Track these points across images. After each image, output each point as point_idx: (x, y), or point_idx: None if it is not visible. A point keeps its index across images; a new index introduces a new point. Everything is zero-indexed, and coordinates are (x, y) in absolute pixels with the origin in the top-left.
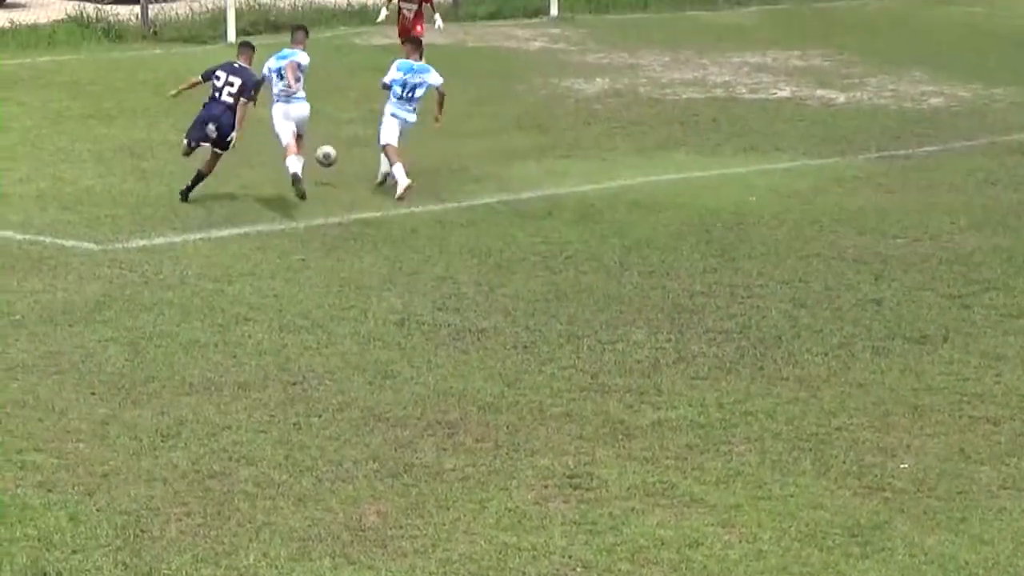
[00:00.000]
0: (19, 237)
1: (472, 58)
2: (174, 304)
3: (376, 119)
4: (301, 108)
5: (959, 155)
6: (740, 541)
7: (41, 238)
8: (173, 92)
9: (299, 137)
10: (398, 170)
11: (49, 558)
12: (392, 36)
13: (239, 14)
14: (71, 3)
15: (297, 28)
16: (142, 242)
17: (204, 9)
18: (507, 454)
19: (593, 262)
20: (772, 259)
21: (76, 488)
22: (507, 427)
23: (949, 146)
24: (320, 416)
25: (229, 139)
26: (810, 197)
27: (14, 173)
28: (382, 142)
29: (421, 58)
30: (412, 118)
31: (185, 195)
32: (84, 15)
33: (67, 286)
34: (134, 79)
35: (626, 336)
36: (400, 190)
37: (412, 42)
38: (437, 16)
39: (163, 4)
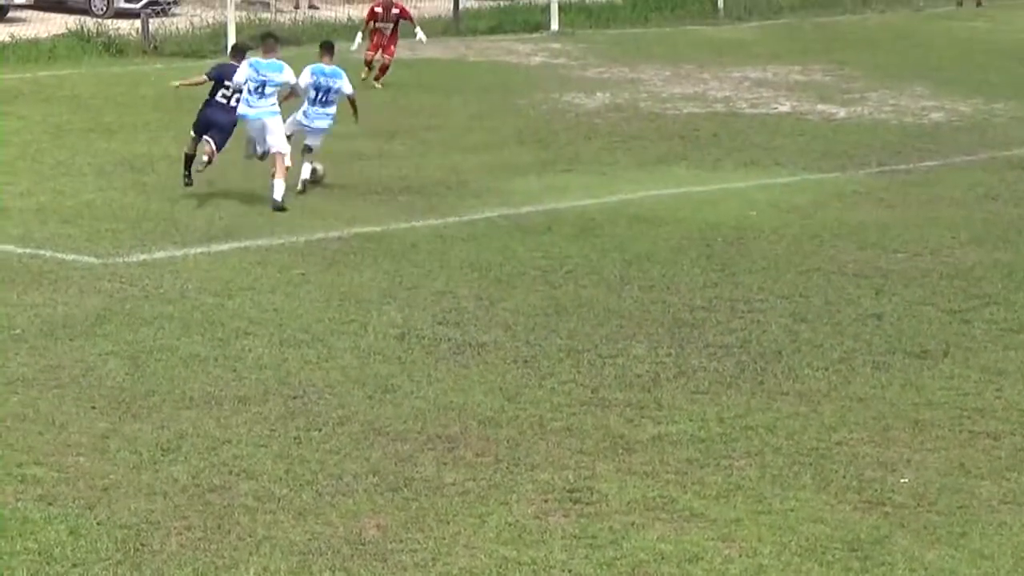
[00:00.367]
0: (19, 251)
1: (473, 72)
2: (174, 318)
3: (376, 133)
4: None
5: (960, 170)
6: (740, 555)
7: (41, 252)
8: (176, 83)
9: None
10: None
11: (49, 572)
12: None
13: (239, 28)
14: (72, 18)
15: (267, 36)
16: (142, 256)
17: (204, 24)
18: (507, 468)
19: (593, 276)
20: (772, 273)
21: (76, 502)
22: (507, 441)
23: (950, 161)
24: (320, 430)
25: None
26: (810, 212)
27: (15, 187)
28: (286, 150)
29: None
30: (326, 123)
31: (190, 178)
32: (85, 30)
33: (67, 300)
34: (135, 93)
35: (626, 350)
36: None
37: (325, 46)
38: (418, 29)
39: (164, 19)
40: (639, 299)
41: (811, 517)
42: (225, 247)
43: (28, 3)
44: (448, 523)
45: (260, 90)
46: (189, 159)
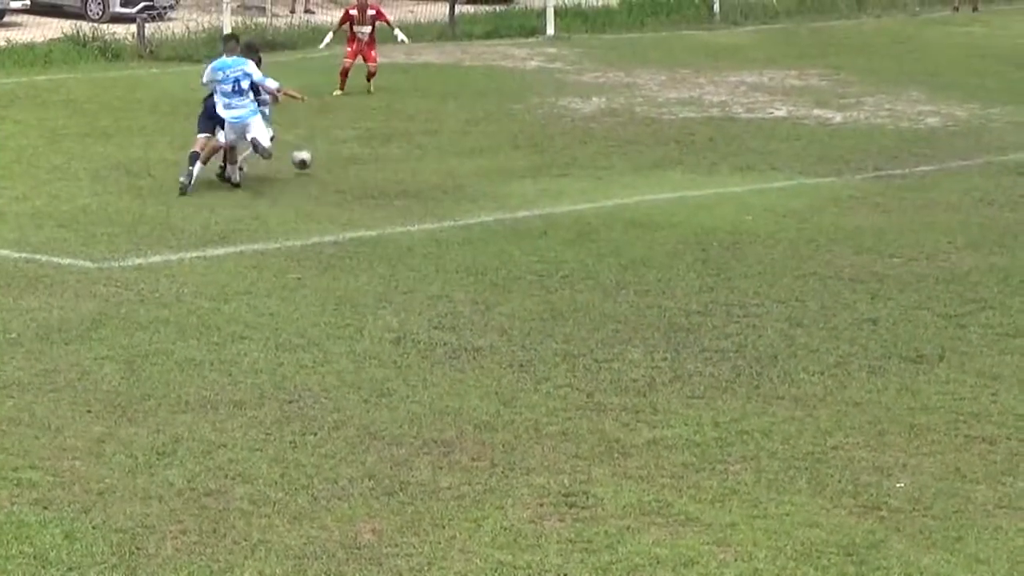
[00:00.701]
0: (15, 255)
1: (469, 77)
2: (170, 322)
3: (372, 137)
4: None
5: (956, 175)
6: (736, 560)
7: (37, 256)
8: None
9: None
10: (198, 168)
11: None
12: (388, 55)
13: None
14: (68, 22)
15: (230, 38)
16: (138, 260)
17: (200, 28)
18: (503, 473)
19: (589, 281)
20: (768, 278)
21: (72, 506)
22: (503, 446)
23: (946, 166)
24: (316, 434)
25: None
26: (806, 216)
27: (10, 191)
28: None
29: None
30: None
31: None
32: (81, 34)
33: (63, 304)
34: (130, 98)
35: (622, 355)
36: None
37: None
38: (398, 31)
39: (160, 23)
40: (635, 304)
41: (807, 521)
42: (221, 251)
43: (24, 7)
44: (444, 527)
45: (237, 89)
46: (195, 157)
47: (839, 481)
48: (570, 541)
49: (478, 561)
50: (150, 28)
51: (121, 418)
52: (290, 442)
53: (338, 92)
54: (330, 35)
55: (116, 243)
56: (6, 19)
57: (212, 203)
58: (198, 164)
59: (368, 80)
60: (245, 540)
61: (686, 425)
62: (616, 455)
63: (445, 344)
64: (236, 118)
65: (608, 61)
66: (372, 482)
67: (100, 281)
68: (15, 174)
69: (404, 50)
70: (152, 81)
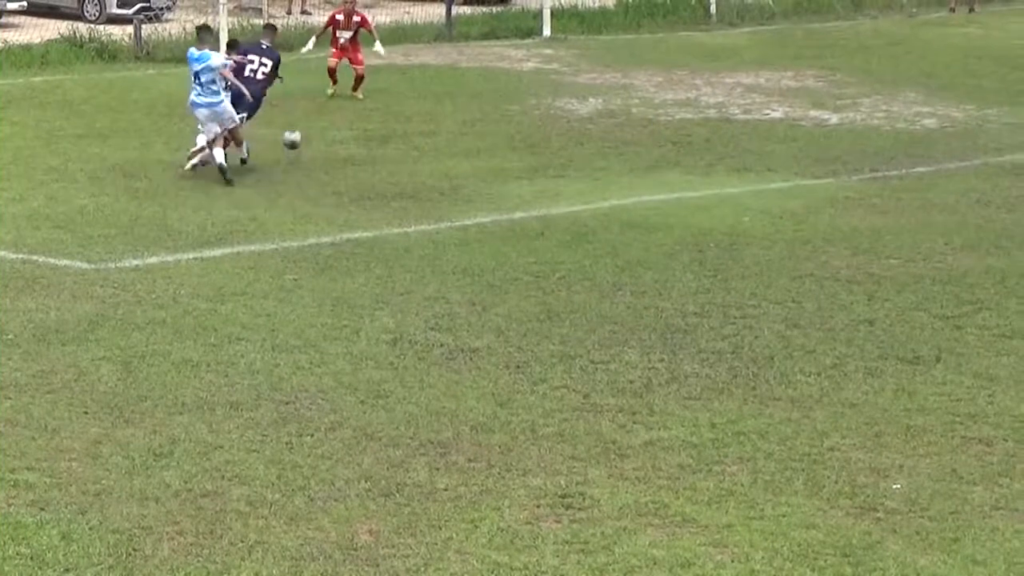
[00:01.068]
0: (12, 256)
1: (465, 78)
2: (167, 323)
3: (369, 138)
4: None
5: (952, 176)
6: (732, 561)
7: (34, 257)
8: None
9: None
10: (205, 154)
11: None
12: (384, 57)
13: (231, 34)
14: (65, 23)
15: (200, 28)
16: (135, 261)
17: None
18: (499, 474)
19: (586, 282)
20: (765, 279)
21: (69, 507)
22: (499, 447)
23: (942, 167)
24: (312, 435)
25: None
26: (803, 217)
27: (7, 192)
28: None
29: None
30: (210, 103)
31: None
32: (77, 35)
33: (60, 305)
34: (127, 99)
35: (619, 356)
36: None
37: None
38: (378, 43)
39: (156, 25)
40: (631, 305)
41: (803, 523)
42: (217, 252)
43: (21, 8)
44: (440, 528)
45: (197, 80)
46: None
47: (836, 482)
48: (566, 542)
49: (475, 562)
50: (147, 29)
51: (118, 419)
52: (287, 443)
53: (331, 90)
54: (313, 39)
55: (113, 244)
56: (3, 20)
57: (209, 204)
58: (217, 150)
59: (356, 85)
60: (242, 541)
61: (683, 426)
62: (613, 456)
63: (442, 345)
64: (207, 104)
65: (605, 62)
66: (369, 483)
67: (97, 282)
68: (12, 175)
69: (401, 51)
70: (149, 82)
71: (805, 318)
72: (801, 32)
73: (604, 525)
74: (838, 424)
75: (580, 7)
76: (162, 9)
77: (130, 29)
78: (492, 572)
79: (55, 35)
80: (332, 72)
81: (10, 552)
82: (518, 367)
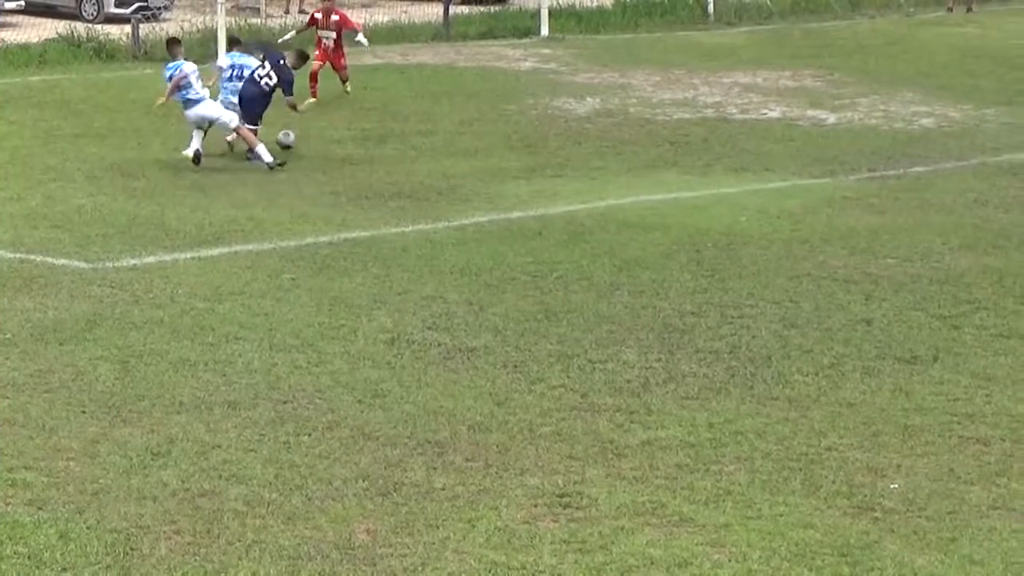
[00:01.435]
0: (9, 255)
1: (463, 77)
2: (164, 323)
3: (366, 138)
4: (205, 107)
5: (950, 175)
6: (730, 560)
7: (32, 257)
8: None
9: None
10: (262, 151)
11: None
12: (382, 56)
13: (229, 34)
14: (62, 23)
15: (171, 41)
16: (132, 261)
17: (194, 29)
18: (497, 473)
19: (583, 282)
20: (762, 279)
21: (66, 506)
22: (497, 446)
23: (940, 166)
24: (310, 435)
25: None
26: (800, 217)
27: (5, 192)
28: (234, 121)
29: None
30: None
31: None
32: (75, 35)
33: (57, 304)
34: (125, 98)
35: (616, 356)
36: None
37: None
38: (361, 36)
39: (154, 24)
40: (629, 304)
41: (800, 522)
42: (215, 252)
43: (18, 8)
44: (438, 528)
45: (188, 84)
46: (251, 154)
47: (833, 482)
48: (564, 542)
49: (472, 561)
50: (144, 29)
51: (116, 418)
52: (284, 443)
53: (311, 101)
54: (292, 32)
55: (110, 244)
56: (0, 19)
57: (206, 204)
58: (261, 149)
59: (343, 83)
60: (239, 541)
61: (680, 426)
62: (610, 456)
63: (439, 345)
64: (194, 112)
65: (602, 62)
66: (366, 483)
67: (94, 282)
68: (10, 175)
69: (399, 51)
70: (147, 82)
71: (802, 318)
72: (799, 32)
73: (601, 524)
74: (835, 424)
75: (578, 7)
76: (160, 8)
77: (128, 29)
78: (489, 571)
79: (53, 34)
80: (314, 76)
81: (8, 551)
82: (515, 367)
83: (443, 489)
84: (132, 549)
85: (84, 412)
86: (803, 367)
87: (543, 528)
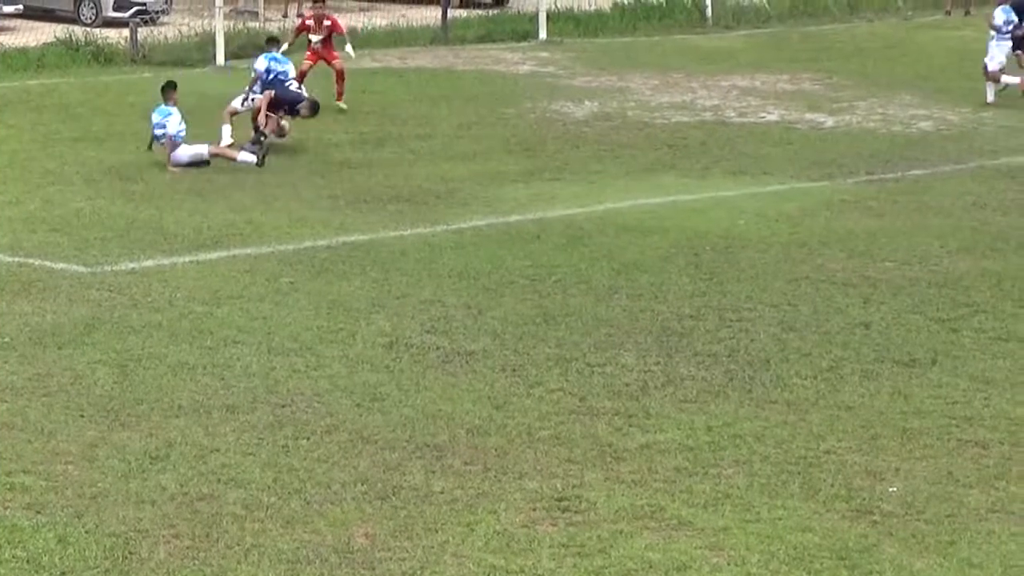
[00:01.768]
0: (8, 259)
1: (461, 81)
2: (163, 327)
3: (364, 141)
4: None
5: (948, 179)
6: (728, 564)
7: (30, 260)
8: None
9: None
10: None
11: None
12: (380, 60)
13: (228, 38)
14: (60, 26)
15: (168, 86)
16: (131, 265)
17: (193, 33)
18: (495, 477)
19: (582, 285)
20: (761, 282)
21: (65, 510)
22: (495, 450)
23: (938, 170)
24: (308, 438)
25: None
26: (799, 220)
27: (4, 196)
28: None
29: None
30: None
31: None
32: (73, 38)
33: (56, 308)
34: (123, 102)
35: (615, 359)
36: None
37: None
38: (348, 46)
39: (152, 28)
40: (627, 308)
41: (799, 526)
42: (213, 256)
43: (17, 12)
44: (436, 531)
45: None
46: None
47: (832, 485)
48: (563, 545)
49: (471, 565)
50: (143, 32)
51: (114, 422)
52: (283, 446)
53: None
54: (285, 45)
55: (109, 247)
56: None
57: (204, 208)
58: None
59: (339, 87)
60: (238, 544)
61: (679, 429)
62: (609, 459)
63: (438, 348)
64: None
65: (600, 65)
66: (365, 486)
67: (93, 285)
68: (8, 178)
69: (397, 54)
70: (145, 85)
71: (801, 321)
72: (797, 35)
73: (600, 528)
74: (834, 427)
75: (576, 10)
76: (158, 12)
77: (126, 32)
78: (488, 575)
79: (51, 38)
80: (302, 76)
81: (6, 555)
82: (514, 370)
83: (442, 493)
84: (131, 553)
85: (83, 416)
86: (801, 370)
87: (542, 532)
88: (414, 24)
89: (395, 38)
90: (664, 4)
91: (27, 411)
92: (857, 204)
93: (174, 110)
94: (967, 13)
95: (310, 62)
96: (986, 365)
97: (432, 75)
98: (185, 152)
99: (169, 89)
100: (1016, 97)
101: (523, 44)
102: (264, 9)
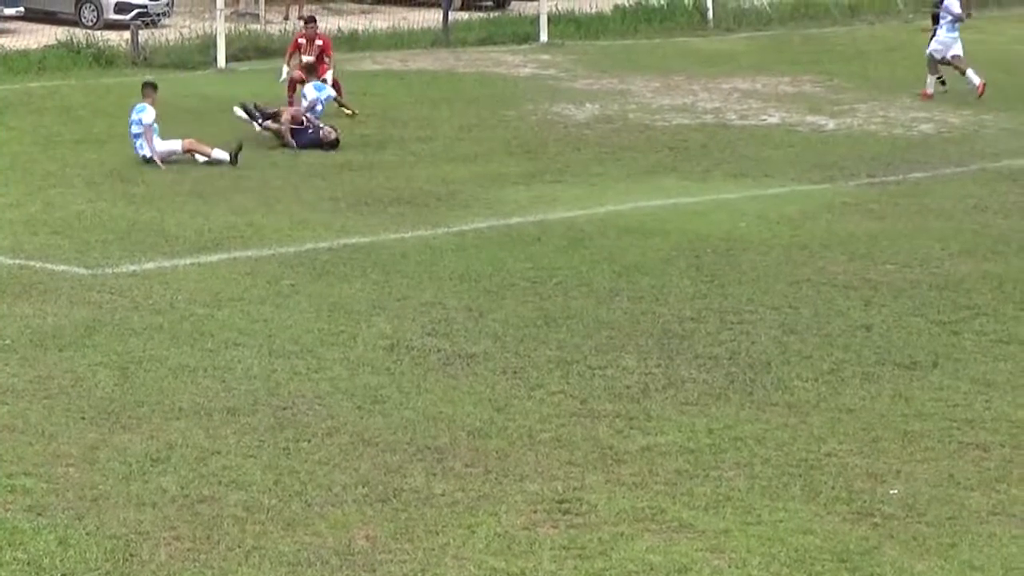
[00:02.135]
0: (9, 262)
1: (462, 83)
2: (164, 329)
3: (365, 144)
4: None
5: (949, 181)
6: (729, 566)
7: (31, 263)
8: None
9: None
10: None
11: None
12: (381, 62)
13: (229, 40)
14: (62, 29)
15: (146, 84)
16: (132, 267)
17: (194, 35)
18: (496, 479)
19: (583, 287)
20: (762, 285)
21: (66, 512)
22: (496, 452)
23: (939, 172)
24: (309, 441)
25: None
26: (800, 223)
27: (5, 198)
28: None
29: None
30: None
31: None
32: (75, 41)
33: (57, 311)
34: (124, 104)
35: (616, 361)
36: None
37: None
38: (329, 73)
39: (153, 30)
40: (628, 310)
41: (800, 528)
42: (214, 258)
43: (18, 14)
44: (437, 534)
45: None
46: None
47: (833, 488)
48: (564, 547)
49: (472, 567)
50: (144, 35)
51: (115, 424)
52: (284, 449)
53: (289, 99)
54: (284, 68)
55: (110, 250)
56: (0, 26)
57: (206, 210)
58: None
59: (337, 96)
60: (239, 547)
61: (680, 432)
62: (610, 462)
63: (439, 351)
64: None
65: (601, 68)
66: (366, 488)
67: (94, 288)
68: (10, 180)
69: (398, 57)
70: None
71: (802, 324)
72: (798, 38)
73: (601, 531)
74: (835, 430)
75: (577, 12)
76: (159, 15)
77: (127, 35)
78: None
79: (52, 41)
80: (292, 85)
81: (7, 557)
82: (515, 373)
83: (443, 495)
84: (131, 555)
85: (83, 418)
86: (803, 373)
87: (543, 534)
88: (415, 27)
89: (396, 40)
90: (665, 7)
91: (28, 413)
92: (858, 207)
93: (148, 105)
94: (968, 15)
95: (300, 73)
96: (987, 368)
97: (433, 77)
98: (161, 146)
99: (148, 88)
100: (1017, 99)
101: (524, 46)
102: (265, 12)
